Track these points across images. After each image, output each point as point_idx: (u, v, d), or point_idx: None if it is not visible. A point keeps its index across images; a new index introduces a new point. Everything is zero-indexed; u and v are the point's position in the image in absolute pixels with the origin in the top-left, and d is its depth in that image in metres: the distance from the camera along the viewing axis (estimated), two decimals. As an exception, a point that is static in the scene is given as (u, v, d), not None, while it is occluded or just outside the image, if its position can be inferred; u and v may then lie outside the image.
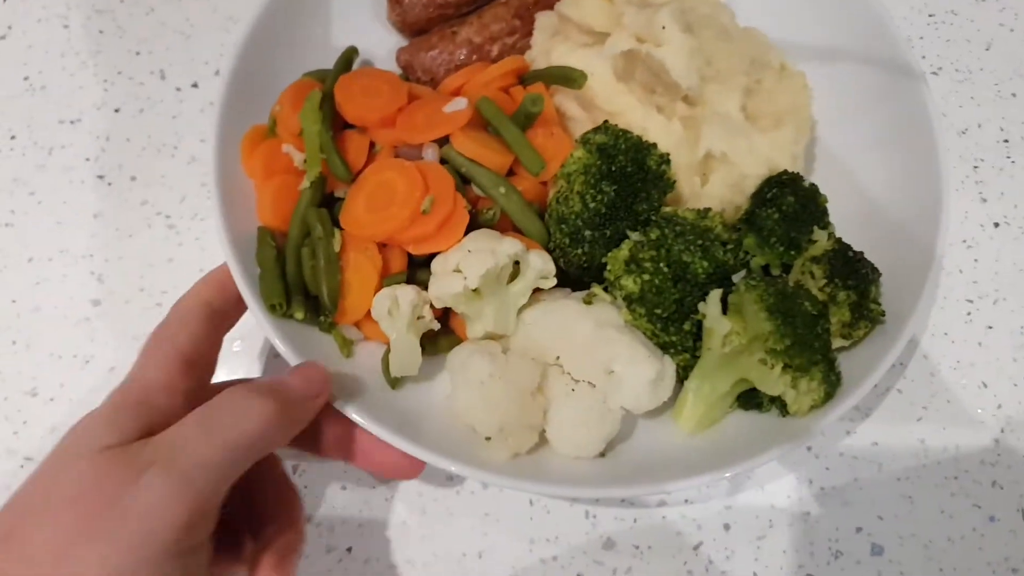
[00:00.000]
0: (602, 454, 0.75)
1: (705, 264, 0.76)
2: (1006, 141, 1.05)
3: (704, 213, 0.80)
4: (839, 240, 0.81)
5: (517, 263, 0.76)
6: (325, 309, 0.77)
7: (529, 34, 0.95)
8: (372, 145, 0.84)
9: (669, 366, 0.75)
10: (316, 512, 0.83)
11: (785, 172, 0.85)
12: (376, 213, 0.76)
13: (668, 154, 0.81)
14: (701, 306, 0.76)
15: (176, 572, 0.54)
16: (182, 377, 0.64)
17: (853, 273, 0.77)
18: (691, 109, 0.86)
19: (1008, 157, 1.04)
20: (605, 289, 0.79)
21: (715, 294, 0.75)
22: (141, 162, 1.00)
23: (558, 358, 0.75)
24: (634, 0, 0.88)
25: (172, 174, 1.00)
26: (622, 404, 0.73)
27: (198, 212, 0.98)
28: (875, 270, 0.80)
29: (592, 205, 0.77)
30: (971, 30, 1.12)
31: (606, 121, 0.82)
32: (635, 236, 0.77)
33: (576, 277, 0.82)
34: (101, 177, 1.00)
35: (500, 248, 0.73)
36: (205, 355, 0.68)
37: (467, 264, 0.72)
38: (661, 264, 0.75)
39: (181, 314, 0.68)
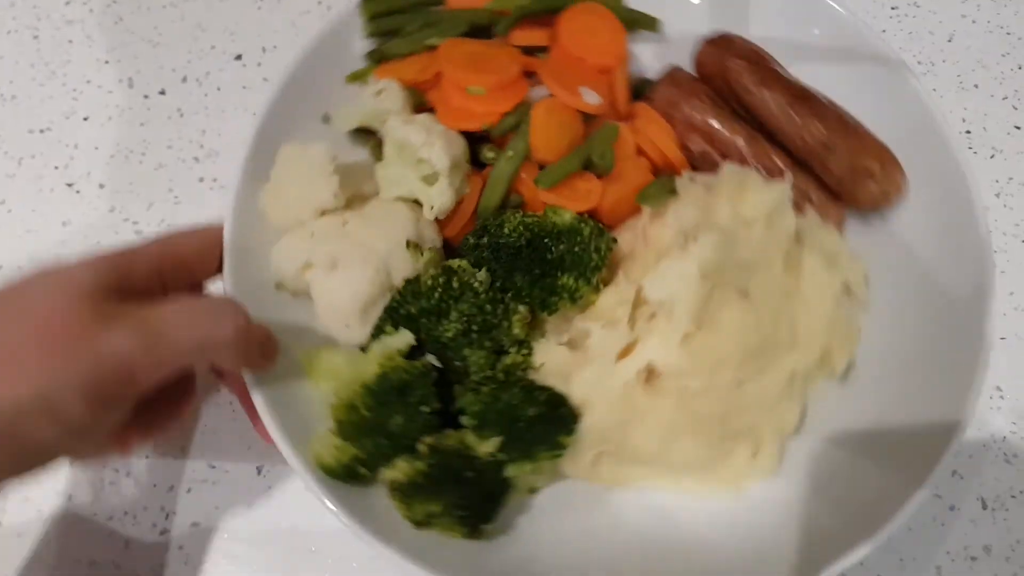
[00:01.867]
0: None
1: (449, 334, 0.74)
2: (968, 132, 1.05)
3: (524, 351, 0.77)
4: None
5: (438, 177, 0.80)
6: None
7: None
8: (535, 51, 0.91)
9: (366, 325, 0.78)
10: (282, 515, 0.84)
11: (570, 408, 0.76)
12: (461, 58, 0.85)
13: (580, 291, 0.78)
14: (398, 333, 0.75)
15: (94, 421, 0.57)
16: (172, 269, 0.68)
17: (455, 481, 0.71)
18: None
19: (970, 147, 1.04)
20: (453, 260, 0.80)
21: (405, 335, 0.74)
22: (109, 170, 1.02)
23: (346, 224, 0.79)
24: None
25: (140, 181, 1.01)
26: (313, 291, 0.78)
27: (165, 218, 0.99)
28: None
29: (508, 231, 0.78)
30: (933, 22, 1.12)
31: (613, 237, 0.81)
32: (481, 274, 0.77)
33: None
34: (70, 185, 1.01)
35: (433, 148, 0.78)
36: (203, 270, 0.73)
37: (414, 127, 0.80)
38: (449, 293, 0.75)
39: (203, 235, 0.73)
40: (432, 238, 0.84)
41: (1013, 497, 0.86)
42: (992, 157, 1.04)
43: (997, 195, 1.02)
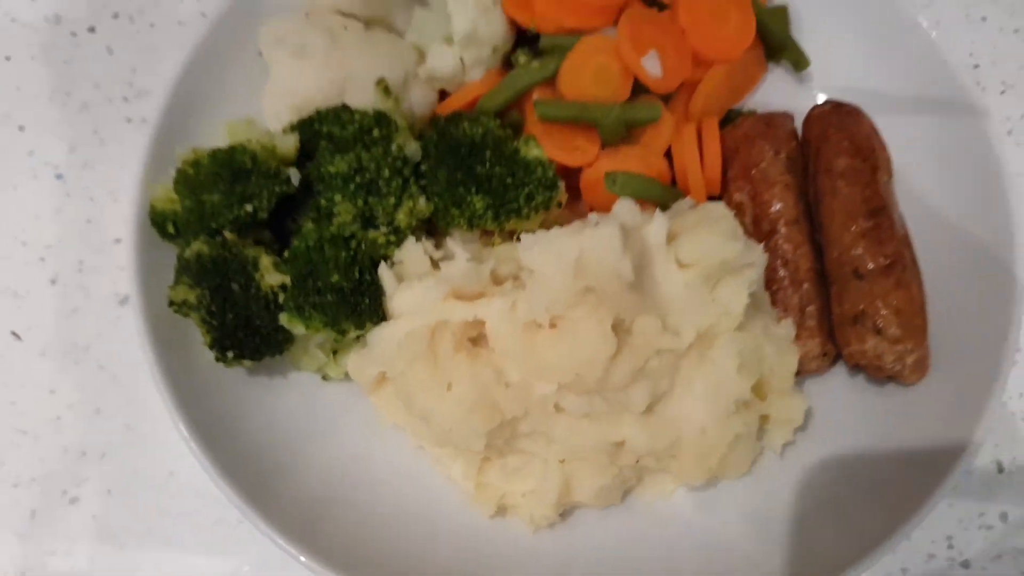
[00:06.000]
0: None
1: (333, 169, 0.71)
2: (976, 67, 0.95)
3: (392, 237, 0.72)
4: None
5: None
6: None
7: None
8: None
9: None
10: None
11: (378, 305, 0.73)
12: None
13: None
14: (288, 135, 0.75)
15: None
16: None
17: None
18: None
19: (978, 83, 0.94)
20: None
21: (292, 139, 0.74)
22: (31, 111, 0.93)
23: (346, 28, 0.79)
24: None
25: (63, 123, 0.92)
26: (271, 68, 0.78)
27: (88, 161, 0.90)
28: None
29: (469, 131, 0.74)
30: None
31: (560, 201, 0.76)
32: (411, 144, 0.74)
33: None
34: (-13, 128, 0.92)
35: (464, 6, 0.76)
36: None
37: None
38: (364, 133, 0.73)
39: None
40: (421, 102, 0.79)
41: (1032, 460, 0.76)
42: (1003, 93, 0.95)
43: (1009, 132, 0.93)
